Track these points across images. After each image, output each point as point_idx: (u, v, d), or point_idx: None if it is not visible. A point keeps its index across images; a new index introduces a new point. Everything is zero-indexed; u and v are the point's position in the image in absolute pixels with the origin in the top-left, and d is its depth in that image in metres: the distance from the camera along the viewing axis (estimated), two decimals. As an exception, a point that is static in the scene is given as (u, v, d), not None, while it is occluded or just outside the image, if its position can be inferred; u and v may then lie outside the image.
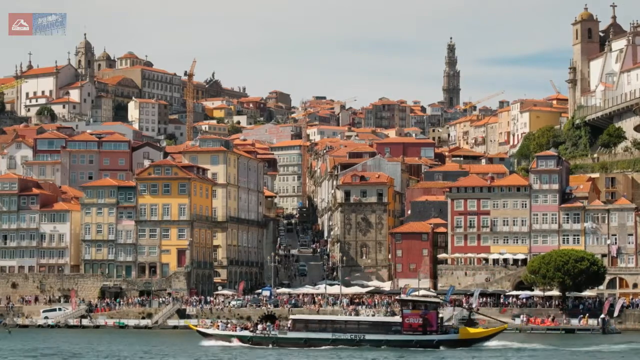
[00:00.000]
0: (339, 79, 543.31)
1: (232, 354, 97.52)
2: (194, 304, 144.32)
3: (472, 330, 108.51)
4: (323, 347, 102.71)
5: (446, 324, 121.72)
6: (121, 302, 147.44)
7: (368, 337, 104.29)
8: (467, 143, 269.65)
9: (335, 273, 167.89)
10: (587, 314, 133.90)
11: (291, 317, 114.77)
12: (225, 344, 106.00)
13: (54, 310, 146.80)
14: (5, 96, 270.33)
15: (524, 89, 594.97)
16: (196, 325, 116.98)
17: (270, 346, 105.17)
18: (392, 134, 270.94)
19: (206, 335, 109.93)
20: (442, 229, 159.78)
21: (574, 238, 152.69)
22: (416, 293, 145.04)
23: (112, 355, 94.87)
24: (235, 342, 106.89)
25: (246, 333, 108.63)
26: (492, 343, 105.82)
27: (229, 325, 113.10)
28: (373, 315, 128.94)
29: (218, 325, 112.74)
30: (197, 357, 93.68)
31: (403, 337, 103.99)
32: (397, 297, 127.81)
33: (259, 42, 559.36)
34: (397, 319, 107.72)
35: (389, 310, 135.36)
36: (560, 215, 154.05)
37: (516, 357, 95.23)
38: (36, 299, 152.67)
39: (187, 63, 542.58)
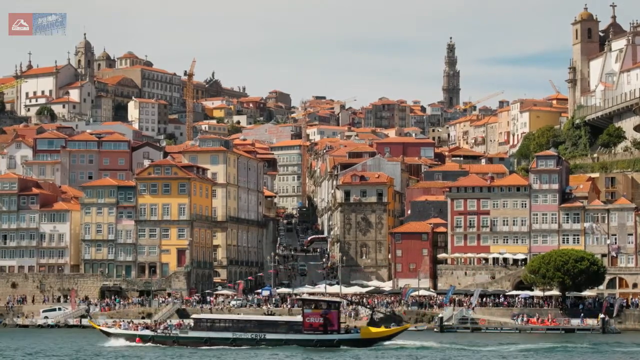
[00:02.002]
0: (339, 79, 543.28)
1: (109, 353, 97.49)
2: (194, 303, 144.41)
3: (373, 329, 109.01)
4: (220, 347, 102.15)
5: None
6: (121, 302, 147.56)
7: (269, 336, 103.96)
8: (467, 143, 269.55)
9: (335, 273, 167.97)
10: (598, 314, 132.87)
11: (193, 316, 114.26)
12: (127, 344, 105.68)
13: (54, 310, 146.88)
14: (5, 96, 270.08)
15: (524, 89, 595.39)
16: (99, 325, 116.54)
17: (171, 346, 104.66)
18: (392, 133, 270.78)
19: (109, 335, 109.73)
20: (442, 229, 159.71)
21: (574, 238, 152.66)
22: (416, 293, 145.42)
23: None
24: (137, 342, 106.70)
25: (147, 332, 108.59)
26: (409, 342, 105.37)
27: (130, 324, 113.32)
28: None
29: (120, 325, 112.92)
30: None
31: (304, 336, 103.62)
32: (299, 297, 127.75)
33: (259, 42, 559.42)
34: (298, 318, 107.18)
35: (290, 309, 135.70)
36: (560, 215, 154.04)
37: (411, 357, 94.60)
38: (24, 299, 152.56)
39: (187, 63, 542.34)
